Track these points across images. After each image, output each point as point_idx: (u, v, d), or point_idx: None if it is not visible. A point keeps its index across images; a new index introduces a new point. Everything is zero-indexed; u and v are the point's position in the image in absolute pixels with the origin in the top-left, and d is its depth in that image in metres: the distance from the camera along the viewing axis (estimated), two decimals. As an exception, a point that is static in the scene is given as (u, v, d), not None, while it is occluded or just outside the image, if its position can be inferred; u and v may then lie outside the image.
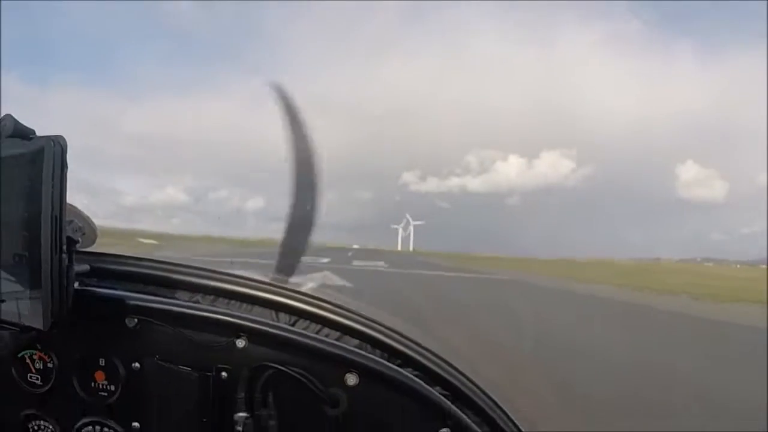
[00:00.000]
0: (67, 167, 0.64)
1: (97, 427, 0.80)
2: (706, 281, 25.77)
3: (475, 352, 5.83)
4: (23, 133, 0.64)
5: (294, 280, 0.92)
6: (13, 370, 0.81)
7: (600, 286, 22.05)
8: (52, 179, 0.63)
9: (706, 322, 11.87)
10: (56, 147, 0.64)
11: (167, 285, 0.85)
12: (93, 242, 0.86)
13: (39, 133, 0.66)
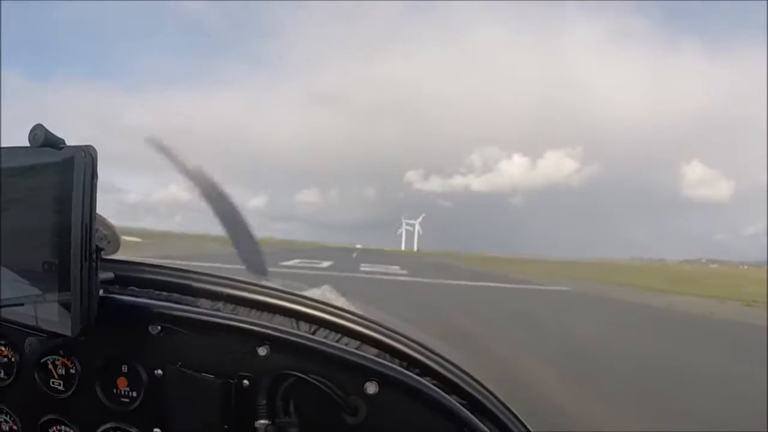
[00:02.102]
0: (97, 176, 0.65)
1: None
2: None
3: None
4: (54, 143, 0.65)
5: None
6: (36, 375, 0.82)
7: (681, 297, 18.03)
8: (83, 188, 0.64)
9: None
10: (87, 157, 0.64)
11: (189, 293, 0.85)
12: (116, 250, 0.87)
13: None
